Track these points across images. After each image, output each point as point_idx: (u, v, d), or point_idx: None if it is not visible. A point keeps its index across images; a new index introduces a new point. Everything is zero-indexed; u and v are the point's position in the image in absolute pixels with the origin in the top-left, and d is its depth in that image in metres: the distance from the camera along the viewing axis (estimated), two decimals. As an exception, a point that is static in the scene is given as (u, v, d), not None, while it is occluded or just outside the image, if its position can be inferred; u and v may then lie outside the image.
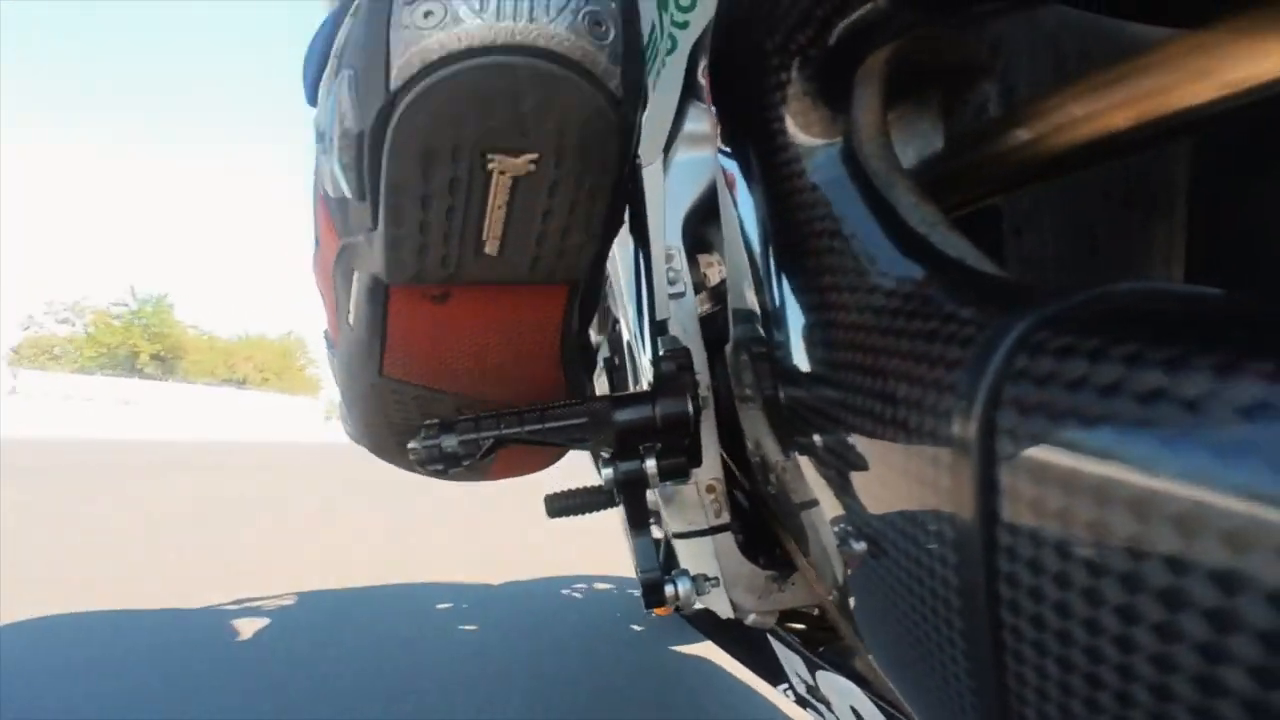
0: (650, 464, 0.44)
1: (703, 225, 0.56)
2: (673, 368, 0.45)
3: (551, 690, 1.31)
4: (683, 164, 0.55)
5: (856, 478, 0.27)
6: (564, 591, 2.11)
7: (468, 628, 1.69)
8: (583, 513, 0.60)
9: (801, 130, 0.29)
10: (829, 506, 0.30)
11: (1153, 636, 0.13)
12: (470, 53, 0.30)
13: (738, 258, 0.39)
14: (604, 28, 0.31)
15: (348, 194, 0.36)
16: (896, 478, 0.23)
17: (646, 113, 0.56)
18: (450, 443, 0.42)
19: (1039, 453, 0.16)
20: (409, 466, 0.56)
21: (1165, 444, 0.13)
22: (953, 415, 0.19)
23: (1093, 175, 0.29)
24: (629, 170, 0.36)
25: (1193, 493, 0.13)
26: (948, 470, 0.19)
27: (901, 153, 0.31)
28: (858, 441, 0.26)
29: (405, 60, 0.30)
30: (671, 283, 0.54)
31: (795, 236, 0.30)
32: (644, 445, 0.45)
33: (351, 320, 0.44)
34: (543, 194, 0.34)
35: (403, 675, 1.35)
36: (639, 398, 0.44)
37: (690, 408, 0.44)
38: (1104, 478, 0.14)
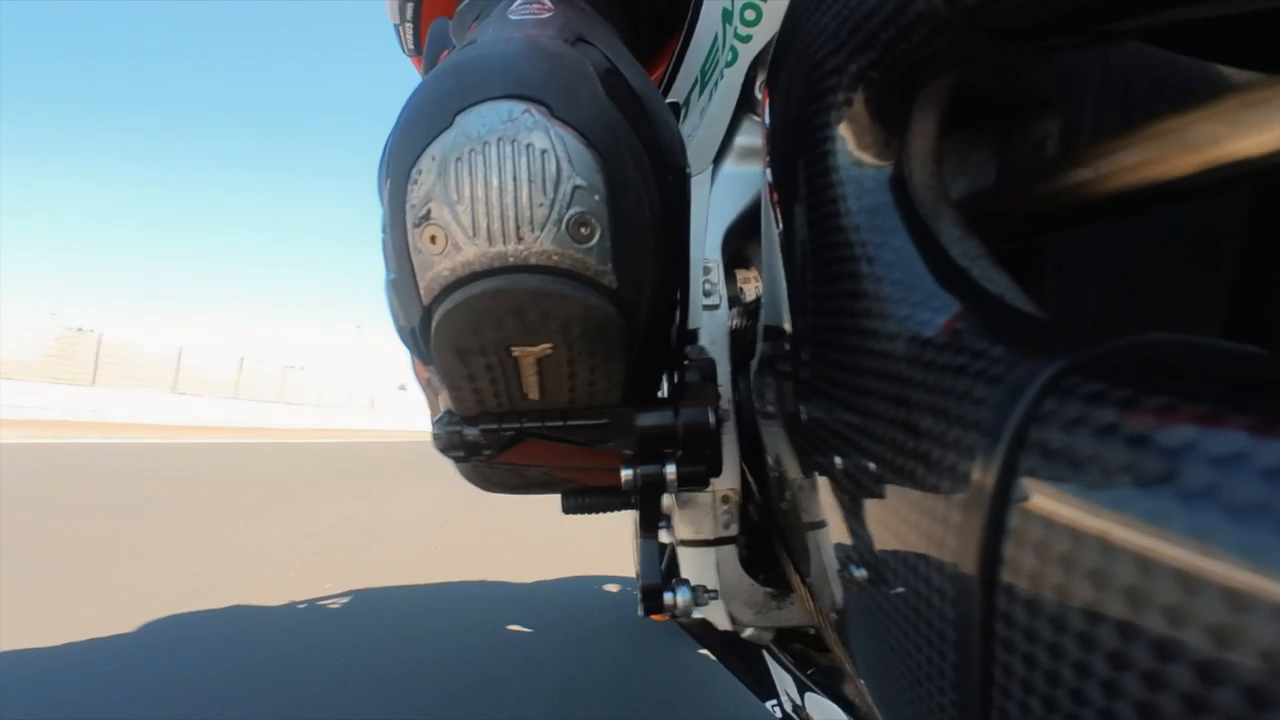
0: (670, 469, 0.45)
1: (743, 240, 0.56)
2: (697, 377, 0.45)
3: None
4: (730, 176, 0.55)
5: (869, 504, 0.26)
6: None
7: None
8: (598, 511, 0.60)
9: (853, 152, 0.29)
10: (837, 529, 0.30)
11: (1143, 690, 0.13)
12: (474, 276, 0.35)
13: (774, 275, 0.39)
14: (589, 228, 0.35)
15: (417, 357, 0.43)
16: (909, 508, 0.23)
17: (701, 123, 0.57)
18: (472, 432, 0.43)
19: (1055, 497, 0.16)
20: (500, 490, 0.64)
21: (1181, 501, 0.13)
22: (974, 451, 0.19)
23: (1142, 221, 0.29)
24: (641, 334, 0.40)
25: (1197, 553, 0.12)
26: (960, 506, 0.19)
27: (952, 183, 0.31)
28: (875, 468, 0.25)
29: (426, 284, 0.36)
30: (706, 294, 0.54)
31: (834, 258, 0.30)
32: (666, 450, 0.45)
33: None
34: (563, 366, 0.38)
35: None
36: (662, 404, 0.44)
37: (711, 418, 0.44)
38: (1113, 530, 0.14)
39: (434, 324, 0.36)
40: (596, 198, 0.35)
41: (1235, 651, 0.12)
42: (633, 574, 2.29)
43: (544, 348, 0.37)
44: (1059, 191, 0.26)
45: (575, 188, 0.34)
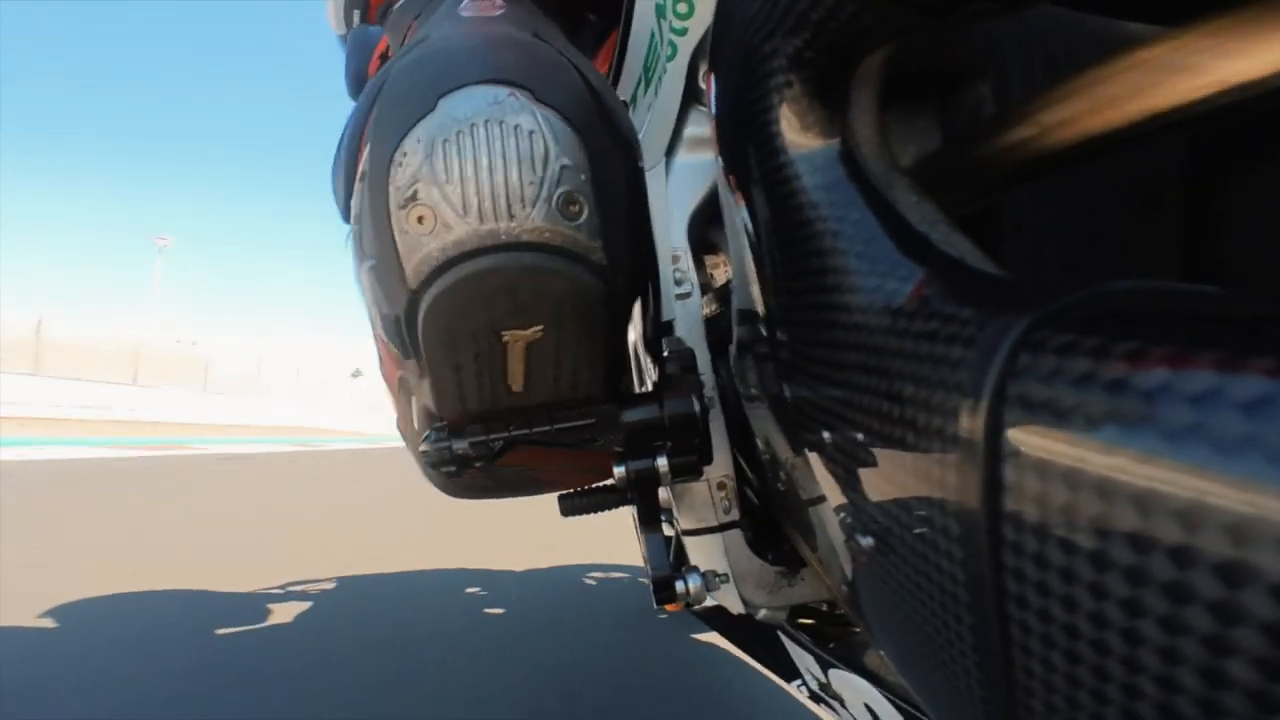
0: (662, 462, 0.45)
1: (708, 226, 0.57)
2: (677, 369, 0.46)
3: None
4: (686, 166, 0.55)
5: (864, 474, 0.27)
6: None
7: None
8: (596, 510, 0.60)
9: (800, 131, 0.29)
10: (837, 503, 0.30)
11: (1157, 629, 0.14)
12: (465, 255, 0.34)
13: (741, 259, 0.39)
14: (578, 206, 0.35)
15: (394, 350, 0.42)
16: (903, 475, 0.23)
17: (649, 118, 0.57)
18: (460, 445, 0.43)
19: (1045, 449, 0.16)
20: (472, 495, 0.61)
21: (1168, 439, 0.13)
22: (959, 412, 0.20)
23: (1088, 173, 0.30)
24: (627, 316, 0.40)
25: (1194, 487, 0.13)
26: (954, 467, 0.20)
27: (900, 153, 0.31)
28: (864, 439, 0.26)
29: (414, 266, 0.35)
30: (678, 283, 0.54)
31: (796, 237, 0.30)
32: (655, 444, 0.45)
33: (417, 427, 0.47)
34: (551, 351, 0.38)
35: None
36: (646, 398, 0.44)
37: (696, 407, 0.44)
38: (1108, 473, 0.15)
39: (423, 307, 0.35)
40: (583, 176, 0.35)
41: (1245, 584, 0.12)
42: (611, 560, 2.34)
43: (534, 330, 0.37)
44: (1001, 151, 0.27)
45: (563, 167, 0.35)
